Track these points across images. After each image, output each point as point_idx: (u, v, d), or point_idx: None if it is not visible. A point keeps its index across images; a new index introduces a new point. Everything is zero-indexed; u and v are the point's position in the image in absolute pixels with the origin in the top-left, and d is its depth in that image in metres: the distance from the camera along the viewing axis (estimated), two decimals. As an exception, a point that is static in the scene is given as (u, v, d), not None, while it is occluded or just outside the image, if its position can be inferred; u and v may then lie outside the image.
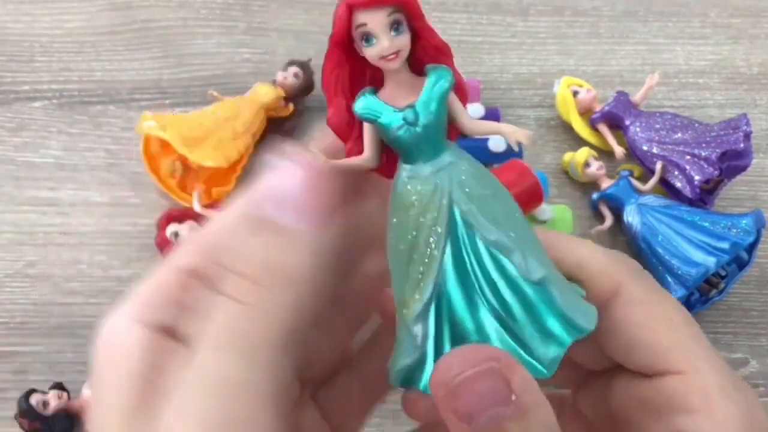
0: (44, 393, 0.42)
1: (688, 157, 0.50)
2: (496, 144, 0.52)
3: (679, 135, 0.51)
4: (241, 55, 0.58)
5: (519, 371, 0.20)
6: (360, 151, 0.22)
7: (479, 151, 0.52)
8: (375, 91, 0.22)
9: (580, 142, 0.55)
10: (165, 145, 0.49)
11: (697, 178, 0.49)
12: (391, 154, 0.23)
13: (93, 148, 0.53)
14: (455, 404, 0.20)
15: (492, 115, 0.54)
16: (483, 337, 0.21)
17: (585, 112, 0.56)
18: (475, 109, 0.53)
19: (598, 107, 0.55)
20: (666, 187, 0.52)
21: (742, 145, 0.49)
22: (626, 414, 0.24)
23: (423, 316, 0.21)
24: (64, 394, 0.42)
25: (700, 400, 0.21)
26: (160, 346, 0.20)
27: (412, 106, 0.21)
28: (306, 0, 0.62)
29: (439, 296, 0.21)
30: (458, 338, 0.22)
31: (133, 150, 0.51)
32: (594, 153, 0.53)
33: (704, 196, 0.50)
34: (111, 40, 0.58)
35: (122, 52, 0.58)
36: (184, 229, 0.46)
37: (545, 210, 0.48)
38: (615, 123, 0.54)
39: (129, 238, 0.49)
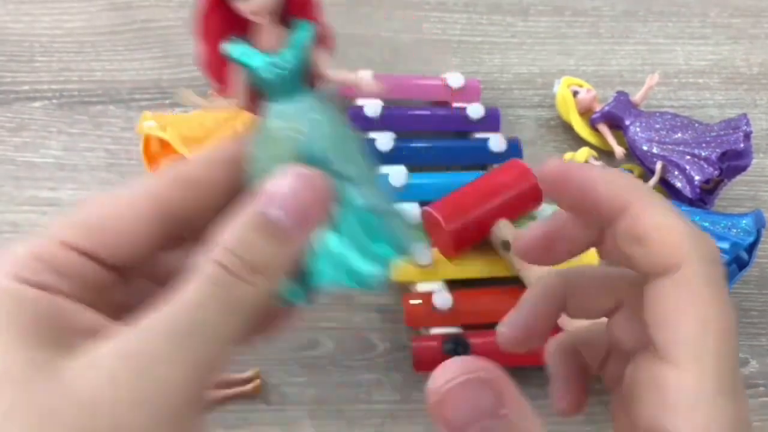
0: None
1: (688, 157, 0.50)
2: (496, 144, 0.52)
3: (679, 135, 0.51)
4: (241, 55, 0.58)
5: (510, 387, 0.20)
6: (230, 92, 0.25)
7: (479, 151, 0.52)
8: (244, 38, 0.25)
9: (580, 142, 0.55)
10: (165, 145, 0.49)
11: (697, 178, 0.49)
12: (255, 94, 0.26)
13: (93, 148, 0.53)
14: (446, 413, 0.20)
15: (492, 115, 0.54)
16: (324, 250, 0.24)
17: (585, 112, 0.56)
18: (475, 108, 0.53)
19: (598, 107, 0.55)
20: (666, 187, 0.52)
21: (742, 145, 0.49)
22: (629, 392, 0.24)
23: None
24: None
25: (687, 401, 0.21)
26: (53, 304, 0.20)
27: (278, 53, 0.25)
28: (306, 0, 0.62)
29: None
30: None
31: (133, 151, 0.51)
32: (594, 153, 0.53)
33: (704, 196, 0.50)
34: (111, 40, 0.58)
35: (122, 52, 0.58)
36: (184, 228, 0.46)
37: (545, 209, 0.48)
38: (615, 123, 0.54)
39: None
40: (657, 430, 0.21)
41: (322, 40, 0.25)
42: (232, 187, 0.24)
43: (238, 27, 0.25)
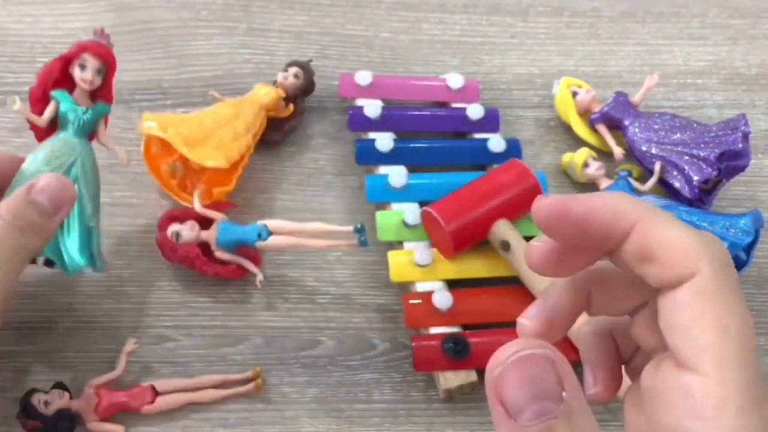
0: (46, 393, 0.42)
1: (687, 157, 0.50)
2: (495, 144, 0.52)
3: (678, 135, 0.52)
4: (241, 55, 0.58)
5: (572, 374, 0.20)
6: (40, 114, 0.43)
7: (479, 151, 0.52)
8: (68, 90, 0.44)
9: (580, 142, 0.55)
10: (166, 145, 0.49)
11: (695, 178, 0.49)
12: (53, 126, 0.43)
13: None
14: (506, 390, 0.20)
15: (491, 115, 0.54)
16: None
17: (584, 113, 0.56)
18: (475, 109, 0.53)
19: (597, 108, 0.55)
20: (665, 187, 0.52)
21: (740, 146, 0.49)
22: (650, 395, 0.24)
23: None
24: (66, 394, 0.42)
25: (713, 408, 0.21)
26: None
27: (82, 109, 0.43)
28: (306, 1, 0.62)
29: None
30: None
31: (134, 152, 0.52)
32: (593, 153, 0.53)
33: (703, 196, 0.50)
34: (112, 41, 0.58)
35: (123, 52, 0.57)
36: (185, 229, 0.46)
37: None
38: (614, 123, 0.54)
39: (130, 238, 0.50)
40: None
41: (107, 118, 0.45)
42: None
43: (68, 82, 0.44)
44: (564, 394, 0.20)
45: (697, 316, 0.22)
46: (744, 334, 0.22)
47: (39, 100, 0.43)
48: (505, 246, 0.45)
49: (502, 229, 0.45)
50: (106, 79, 0.44)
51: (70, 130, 0.43)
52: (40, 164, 0.41)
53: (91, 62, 0.43)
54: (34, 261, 0.42)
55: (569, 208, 0.23)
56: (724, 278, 0.22)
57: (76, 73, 0.43)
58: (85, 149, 0.43)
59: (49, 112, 0.43)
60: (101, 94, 0.44)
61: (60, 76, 0.43)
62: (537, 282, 0.43)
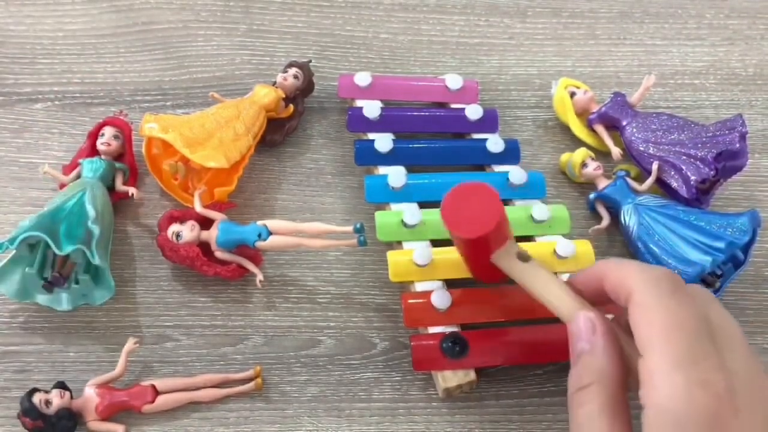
0: (46, 392, 0.42)
1: (684, 157, 0.51)
2: (494, 144, 0.52)
3: (676, 135, 0.52)
4: (241, 56, 0.59)
5: (602, 332, 0.33)
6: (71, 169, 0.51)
7: (478, 151, 0.53)
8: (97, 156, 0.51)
9: (578, 142, 0.56)
10: (167, 146, 0.50)
11: (693, 178, 0.49)
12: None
13: (95, 150, 0.53)
14: (576, 334, 0.34)
15: (490, 115, 0.54)
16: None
17: (582, 113, 0.56)
18: (474, 109, 0.54)
19: (595, 108, 0.55)
20: (662, 187, 0.52)
21: (737, 146, 0.49)
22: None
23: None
24: (66, 394, 0.42)
25: (647, 377, 0.30)
26: None
27: (101, 161, 0.50)
28: (305, 2, 0.62)
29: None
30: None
31: (135, 153, 0.52)
32: (591, 153, 0.53)
33: (700, 196, 0.51)
34: (113, 42, 0.58)
35: (124, 54, 0.58)
36: (185, 229, 0.47)
37: (543, 210, 0.49)
38: (612, 124, 0.54)
39: (130, 238, 0.50)
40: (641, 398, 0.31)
41: (131, 181, 0.51)
42: None
43: (96, 152, 0.51)
44: (594, 338, 0.33)
45: (638, 321, 0.32)
46: (668, 324, 0.31)
47: (71, 168, 0.51)
48: (525, 257, 0.41)
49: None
50: (127, 147, 0.51)
51: (85, 175, 0.49)
52: (57, 198, 0.47)
53: (109, 130, 0.51)
54: (50, 287, 0.45)
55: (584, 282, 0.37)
56: (653, 291, 0.32)
57: (97, 141, 0.50)
58: (96, 185, 0.48)
59: (74, 173, 0.50)
60: (123, 159, 0.51)
61: (91, 152, 0.51)
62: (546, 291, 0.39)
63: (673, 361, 0.29)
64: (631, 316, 0.32)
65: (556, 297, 0.37)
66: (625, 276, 0.33)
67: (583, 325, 0.34)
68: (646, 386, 0.30)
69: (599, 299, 0.36)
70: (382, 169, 0.51)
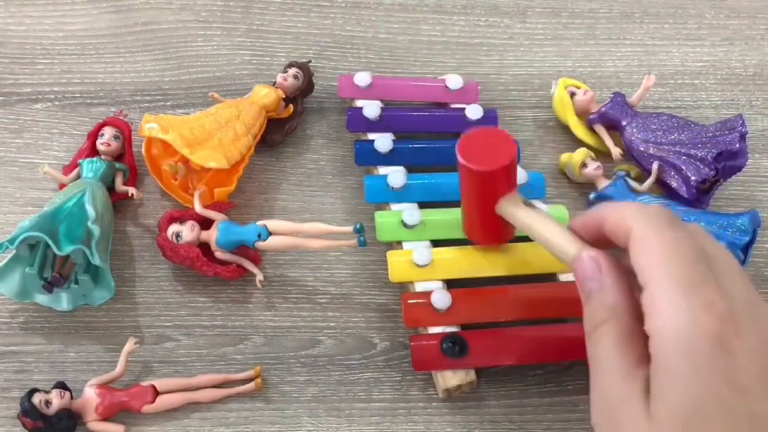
0: (46, 392, 0.42)
1: (685, 157, 0.51)
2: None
3: (676, 135, 0.52)
4: (241, 56, 0.59)
5: (607, 269, 0.34)
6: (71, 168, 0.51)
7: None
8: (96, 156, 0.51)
9: (578, 142, 0.56)
10: (167, 146, 0.50)
11: (693, 178, 0.49)
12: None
13: (94, 150, 0.53)
14: (583, 274, 0.35)
15: (490, 116, 0.54)
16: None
17: (582, 113, 0.56)
18: (474, 109, 0.54)
19: (595, 108, 0.55)
20: (663, 187, 0.52)
21: (737, 146, 0.49)
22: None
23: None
24: (66, 394, 0.42)
25: (649, 305, 0.31)
26: None
27: (101, 161, 0.50)
28: (305, 2, 0.62)
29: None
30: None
31: (135, 153, 0.52)
32: (591, 154, 0.53)
33: (700, 196, 0.51)
34: (113, 43, 0.58)
35: (124, 54, 0.58)
36: (185, 229, 0.47)
37: (542, 209, 0.49)
38: (612, 124, 0.54)
39: (130, 238, 0.50)
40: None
41: (130, 180, 0.51)
42: None
43: (96, 152, 0.51)
44: (601, 277, 0.34)
45: (636, 254, 0.32)
46: (664, 252, 0.31)
47: (71, 169, 0.51)
48: (529, 204, 0.43)
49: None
50: (127, 148, 0.51)
51: (85, 175, 0.49)
52: (57, 198, 0.47)
53: (109, 130, 0.51)
54: (50, 288, 0.44)
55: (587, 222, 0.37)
56: (653, 224, 0.32)
57: (97, 142, 0.50)
58: (96, 185, 0.48)
59: (74, 173, 0.50)
60: (123, 159, 0.51)
61: (91, 152, 0.51)
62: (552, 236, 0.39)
63: (675, 287, 0.30)
64: (632, 250, 0.32)
65: (560, 240, 0.37)
66: (624, 216, 0.34)
67: (589, 265, 0.34)
68: (650, 314, 0.30)
69: (599, 244, 0.36)
70: (382, 169, 0.51)
